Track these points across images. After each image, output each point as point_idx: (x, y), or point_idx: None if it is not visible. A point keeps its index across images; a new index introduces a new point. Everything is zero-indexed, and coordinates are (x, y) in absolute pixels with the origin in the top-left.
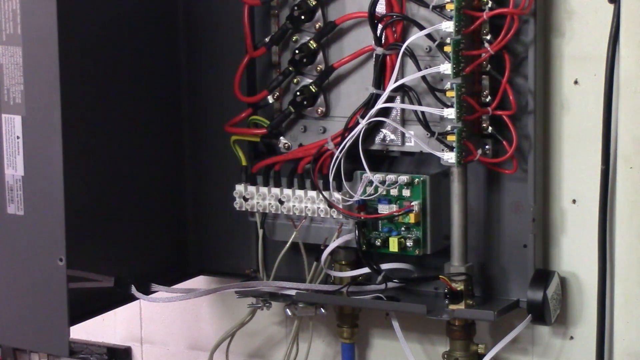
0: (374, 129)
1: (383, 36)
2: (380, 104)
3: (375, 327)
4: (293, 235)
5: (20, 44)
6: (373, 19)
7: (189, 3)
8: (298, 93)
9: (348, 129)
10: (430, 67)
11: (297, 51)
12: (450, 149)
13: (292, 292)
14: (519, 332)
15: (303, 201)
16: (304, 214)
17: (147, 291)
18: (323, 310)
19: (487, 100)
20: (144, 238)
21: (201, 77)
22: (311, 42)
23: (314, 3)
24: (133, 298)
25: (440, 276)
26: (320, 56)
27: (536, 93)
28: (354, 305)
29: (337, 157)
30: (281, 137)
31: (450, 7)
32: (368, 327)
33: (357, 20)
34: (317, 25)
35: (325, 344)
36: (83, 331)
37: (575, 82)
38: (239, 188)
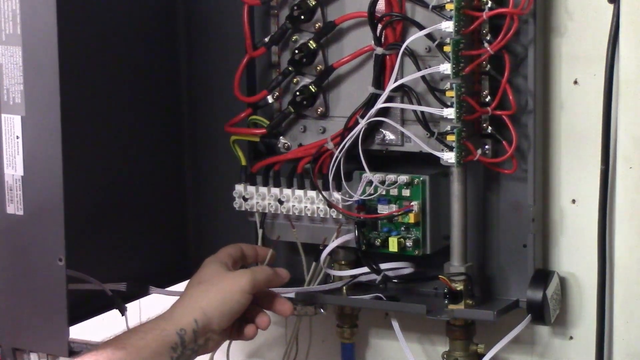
0: (373, 129)
1: (383, 36)
2: (379, 104)
3: (375, 327)
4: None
5: (20, 44)
6: (373, 18)
7: (189, 3)
8: (298, 93)
9: (348, 129)
10: (430, 67)
11: (296, 51)
12: (450, 149)
13: (292, 292)
14: (519, 332)
15: (302, 201)
16: (303, 214)
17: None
18: (323, 311)
19: (487, 100)
20: (143, 238)
21: (201, 77)
22: (311, 42)
23: (313, 3)
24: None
25: (440, 276)
26: (319, 56)
27: (536, 93)
28: (353, 305)
29: (337, 157)
30: (281, 137)
31: (450, 7)
32: (368, 327)
33: (356, 20)
34: (316, 25)
35: (325, 344)
36: (83, 331)
37: (575, 82)
38: (239, 188)
